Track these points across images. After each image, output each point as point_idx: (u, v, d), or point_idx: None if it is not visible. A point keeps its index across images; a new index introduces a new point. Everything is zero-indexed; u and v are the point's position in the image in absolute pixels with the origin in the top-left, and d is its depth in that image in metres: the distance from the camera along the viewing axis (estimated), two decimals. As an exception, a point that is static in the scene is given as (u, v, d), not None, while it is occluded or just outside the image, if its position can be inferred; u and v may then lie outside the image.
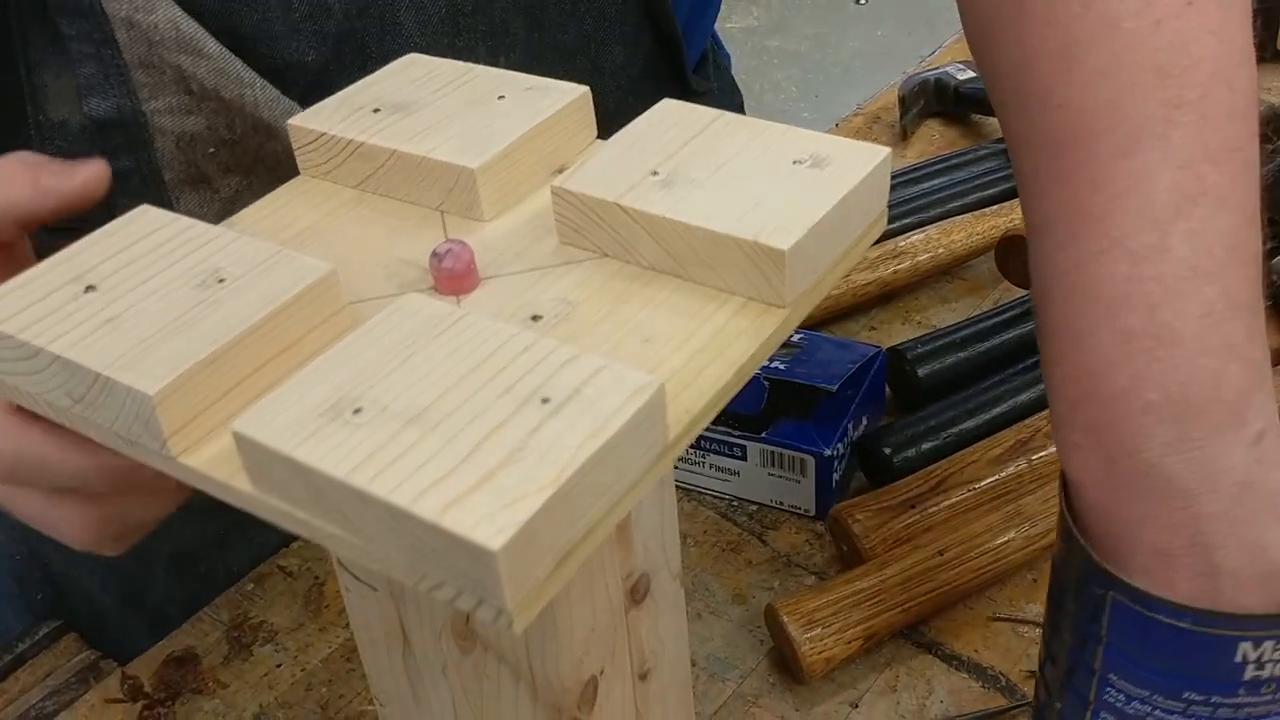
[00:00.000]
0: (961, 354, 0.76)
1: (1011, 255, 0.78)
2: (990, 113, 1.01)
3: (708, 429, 0.68)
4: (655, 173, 0.39)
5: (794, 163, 0.39)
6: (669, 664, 0.48)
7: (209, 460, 0.33)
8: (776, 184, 0.38)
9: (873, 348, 0.73)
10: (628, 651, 0.45)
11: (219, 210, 0.60)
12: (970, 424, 0.71)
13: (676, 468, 0.72)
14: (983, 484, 0.67)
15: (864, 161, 0.39)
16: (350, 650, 0.65)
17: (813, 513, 0.70)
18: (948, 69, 1.05)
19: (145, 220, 0.39)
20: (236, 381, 0.34)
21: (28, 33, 0.56)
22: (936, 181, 0.93)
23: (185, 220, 0.39)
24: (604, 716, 0.44)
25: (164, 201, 0.56)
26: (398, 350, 0.33)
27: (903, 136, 1.04)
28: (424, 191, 0.43)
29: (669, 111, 0.43)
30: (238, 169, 0.59)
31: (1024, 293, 0.80)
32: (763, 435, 0.68)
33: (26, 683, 0.66)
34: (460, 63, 0.48)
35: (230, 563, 0.71)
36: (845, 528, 0.66)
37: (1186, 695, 0.46)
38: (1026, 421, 0.70)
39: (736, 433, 0.69)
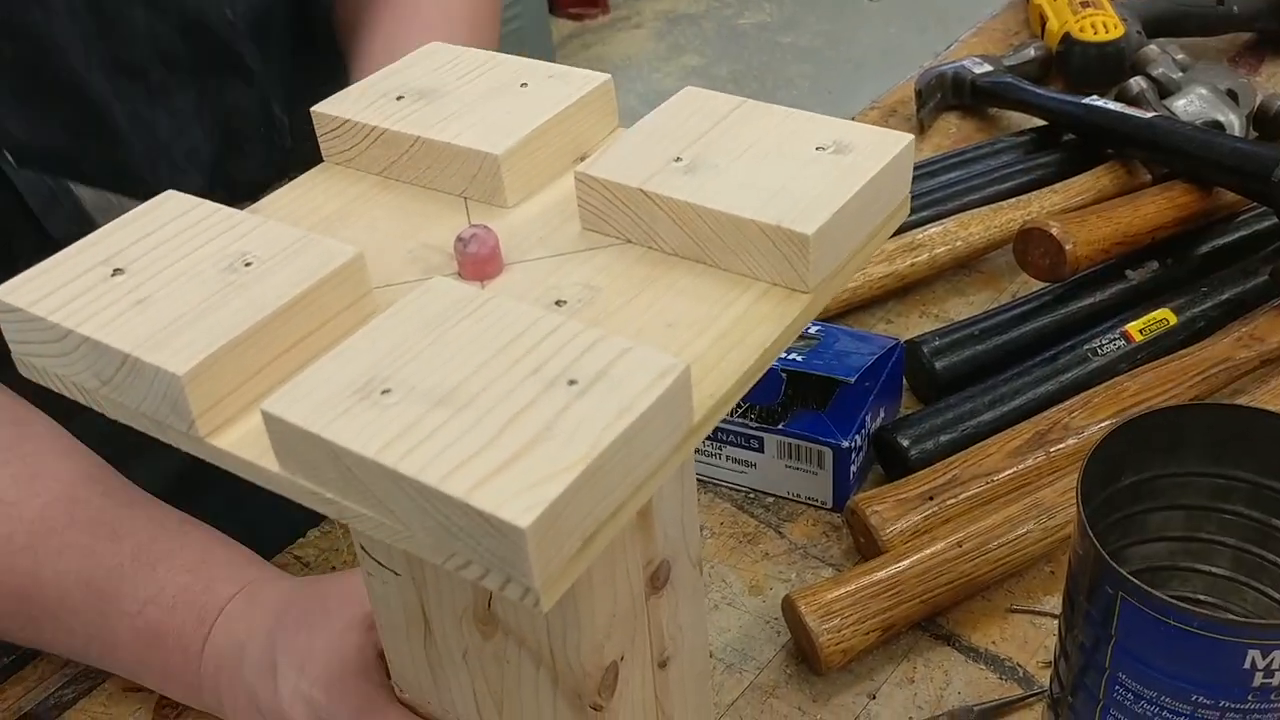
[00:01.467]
0: (979, 347, 0.76)
1: (1031, 247, 0.78)
2: (1008, 106, 1.02)
3: (725, 420, 0.69)
4: (678, 159, 0.40)
5: (816, 149, 0.40)
6: (688, 652, 0.48)
7: (237, 441, 0.34)
8: (800, 170, 0.39)
9: (890, 340, 0.73)
10: (648, 639, 0.45)
11: None
12: (988, 416, 0.71)
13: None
14: (1001, 476, 0.67)
15: (886, 148, 0.39)
16: None
17: (829, 505, 0.70)
18: (964, 63, 1.05)
19: (172, 205, 0.40)
20: (264, 363, 0.35)
21: None
22: (953, 175, 0.93)
23: (210, 205, 0.39)
24: (624, 704, 0.44)
25: None
26: (426, 332, 0.33)
27: (919, 130, 1.04)
28: (447, 178, 0.43)
29: (690, 99, 0.43)
30: None
31: (1041, 285, 0.81)
32: (780, 427, 0.69)
33: (45, 670, 0.66)
34: (484, 51, 0.48)
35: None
36: (863, 520, 0.66)
37: (1194, 698, 0.47)
38: (1045, 414, 0.70)
39: (754, 424, 0.69)
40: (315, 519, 0.73)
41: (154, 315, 0.35)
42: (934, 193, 0.91)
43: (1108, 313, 0.78)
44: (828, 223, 0.36)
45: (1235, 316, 0.77)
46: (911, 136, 0.40)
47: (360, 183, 0.45)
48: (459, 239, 0.39)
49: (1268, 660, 0.45)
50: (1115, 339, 0.74)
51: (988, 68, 1.03)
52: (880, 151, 0.39)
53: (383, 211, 0.43)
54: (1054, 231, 0.76)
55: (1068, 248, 0.75)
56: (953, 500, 0.66)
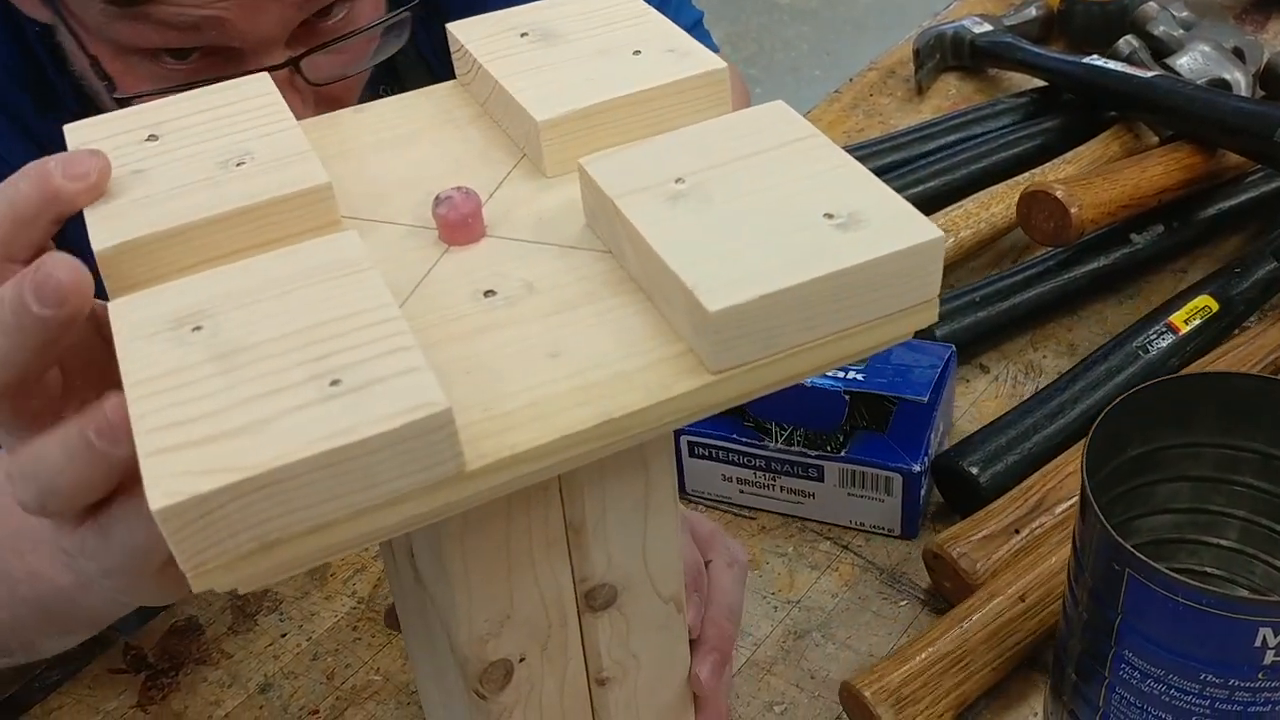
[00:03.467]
0: (981, 313, 0.74)
1: (1035, 211, 0.74)
2: (1008, 67, 0.98)
3: (779, 450, 0.64)
4: (680, 180, 0.35)
5: (825, 215, 0.33)
6: (646, 681, 0.45)
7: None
8: (784, 233, 0.33)
9: (945, 347, 0.66)
10: (579, 652, 0.43)
11: None
12: (1051, 429, 0.66)
13: (743, 492, 0.67)
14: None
15: (899, 237, 0.32)
16: (356, 619, 0.65)
17: (898, 532, 0.65)
18: (964, 22, 1.01)
19: (248, 88, 0.41)
20: (197, 261, 0.36)
21: None
22: (953, 137, 0.90)
23: (273, 97, 0.41)
24: (529, 702, 0.42)
25: None
26: (283, 283, 0.33)
27: (918, 91, 1.01)
28: (515, 129, 0.42)
29: (766, 115, 0.38)
30: None
31: (1045, 250, 0.78)
32: (842, 454, 0.63)
33: None
34: (643, 4, 0.45)
35: None
36: (950, 564, 0.60)
37: (1204, 677, 0.46)
38: None
39: (812, 453, 0.63)
40: None
41: (134, 188, 0.37)
42: (934, 154, 0.88)
43: (1113, 277, 0.77)
44: (747, 304, 0.31)
45: (1271, 294, 0.75)
46: (941, 234, 0.32)
47: (463, 109, 0.44)
48: (436, 198, 0.37)
49: (1279, 638, 0.44)
50: (1162, 332, 0.71)
51: (987, 27, 1.00)
52: (887, 240, 0.32)
53: (446, 146, 0.42)
54: (1058, 194, 0.73)
55: (1073, 211, 0.72)
56: (1039, 529, 0.60)
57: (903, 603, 0.62)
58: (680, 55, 0.41)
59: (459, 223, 0.37)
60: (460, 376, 0.32)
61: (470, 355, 0.33)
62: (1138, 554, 0.44)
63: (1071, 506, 0.60)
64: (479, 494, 0.31)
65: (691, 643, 0.46)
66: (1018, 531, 0.60)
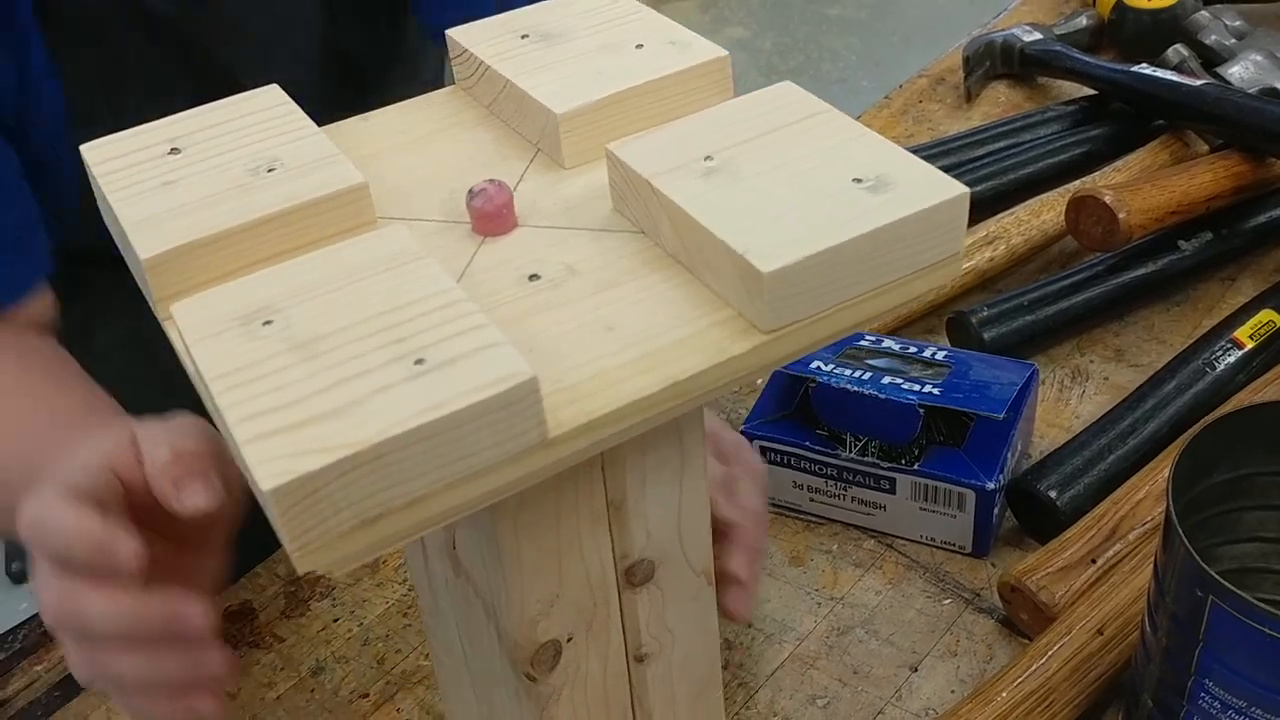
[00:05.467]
0: (1029, 317, 0.75)
1: (1083, 216, 0.75)
2: (1057, 75, 0.97)
3: (851, 459, 0.64)
4: (708, 158, 0.37)
5: (854, 180, 0.35)
6: (682, 655, 0.46)
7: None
8: (818, 199, 0.35)
9: (1028, 365, 0.66)
10: (619, 629, 0.44)
11: None
12: (1125, 450, 0.66)
13: (814, 501, 0.67)
14: (1156, 515, 0.61)
15: (927, 195, 0.34)
16: (407, 606, 0.66)
17: (968, 549, 0.64)
18: (1013, 30, 1.01)
19: (262, 100, 0.42)
20: (243, 265, 0.37)
21: None
22: (1002, 143, 0.91)
23: (290, 108, 0.42)
24: (576, 682, 0.43)
25: None
26: (342, 276, 0.33)
27: (967, 98, 1.02)
28: (527, 126, 0.43)
29: (777, 94, 0.40)
30: None
31: (1094, 256, 0.79)
32: (916, 467, 0.63)
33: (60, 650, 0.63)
34: (635, 2, 0.46)
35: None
36: (1029, 597, 0.59)
37: None
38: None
39: (885, 465, 0.63)
40: None
41: (166, 198, 0.37)
42: (982, 160, 0.88)
43: (1161, 283, 0.78)
44: (798, 264, 0.33)
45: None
46: (966, 189, 0.35)
47: (467, 111, 0.46)
48: (469, 191, 0.38)
49: None
50: (1227, 348, 0.71)
51: (1037, 36, 1.00)
52: (916, 198, 0.34)
53: (461, 145, 0.44)
54: (1107, 199, 0.73)
55: (1121, 216, 0.73)
56: (1114, 557, 0.60)
57: (946, 601, 0.63)
58: (682, 46, 0.43)
59: (494, 214, 0.38)
60: (524, 354, 0.33)
61: (528, 335, 0.34)
62: (1223, 581, 0.43)
63: (1145, 533, 0.60)
64: (559, 461, 0.32)
65: (723, 540, 0.51)
66: (1094, 561, 0.59)
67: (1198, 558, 0.43)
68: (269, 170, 0.38)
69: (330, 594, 0.67)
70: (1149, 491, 0.62)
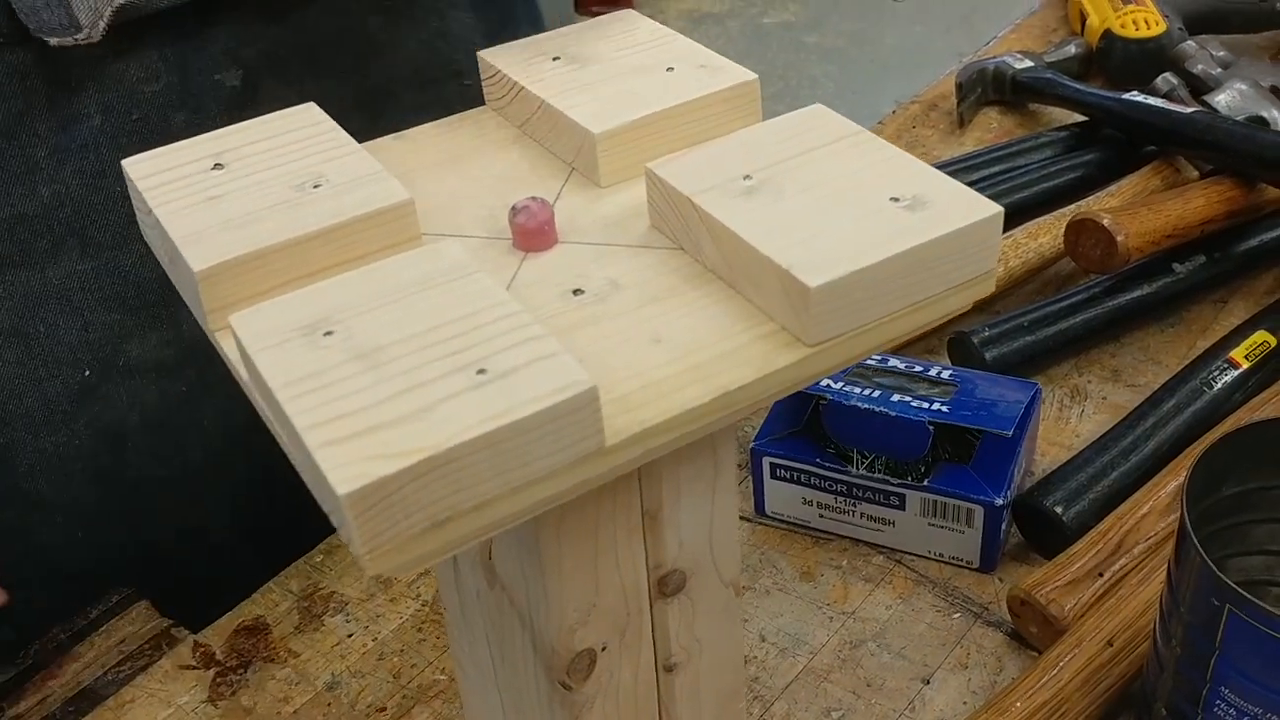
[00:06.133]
0: (1029, 337, 0.77)
1: (1082, 238, 0.77)
2: (1048, 102, 1.00)
3: (860, 475, 0.65)
4: (747, 177, 0.38)
5: (891, 199, 0.36)
6: (709, 665, 0.47)
7: (233, 347, 0.37)
8: (856, 216, 0.36)
9: (1031, 385, 0.68)
10: (650, 639, 0.44)
11: None
12: (1126, 466, 0.68)
13: (823, 517, 0.68)
14: (1160, 533, 0.63)
15: (964, 214, 0.36)
16: (421, 621, 0.66)
17: (976, 565, 0.65)
18: (1005, 58, 1.04)
19: (300, 117, 0.43)
20: (291, 279, 0.37)
21: None
22: (996, 168, 0.93)
23: (328, 125, 0.42)
24: (609, 692, 0.44)
25: None
26: (397, 290, 0.34)
27: (960, 124, 1.04)
28: (561, 145, 0.44)
29: (810, 117, 0.41)
30: None
31: (1090, 278, 0.81)
32: (925, 483, 0.64)
33: (102, 648, 0.66)
34: (664, 28, 0.48)
35: (297, 536, 0.71)
36: (1039, 610, 0.61)
37: None
38: (1186, 463, 0.64)
39: (895, 481, 0.64)
40: None
41: (213, 213, 0.38)
42: (978, 187, 0.93)
43: (1155, 305, 0.80)
44: (843, 279, 0.34)
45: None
46: (1000, 208, 0.36)
47: (499, 131, 0.47)
48: (513, 208, 0.39)
49: None
50: (1224, 368, 0.73)
51: (1028, 63, 1.03)
52: (954, 217, 0.35)
53: (496, 164, 0.45)
54: (1105, 222, 0.75)
55: (1119, 239, 0.75)
56: (1120, 571, 0.61)
57: (955, 615, 0.64)
58: (712, 70, 0.44)
59: (536, 230, 0.39)
60: (576, 365, 0.34)
61: (577, 347, 0.35)
62: (1241, 591, 0.44)
63: (1150, 547, 0.62)
64: (614, 469, 0.33)
65: None
66: (1101, 574, 0.61)
67: (1214, 567, 0.44)
68: (315, 186, 0.39)
69: (344, 609, 0.68)
70: (1152, 507, 0.63)
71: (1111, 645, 0.56)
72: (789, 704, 0.60)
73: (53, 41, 0.58)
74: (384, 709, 0.62)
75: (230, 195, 0.39)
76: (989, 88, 1.04)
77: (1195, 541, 0.46)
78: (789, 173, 0.38)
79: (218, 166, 0.41)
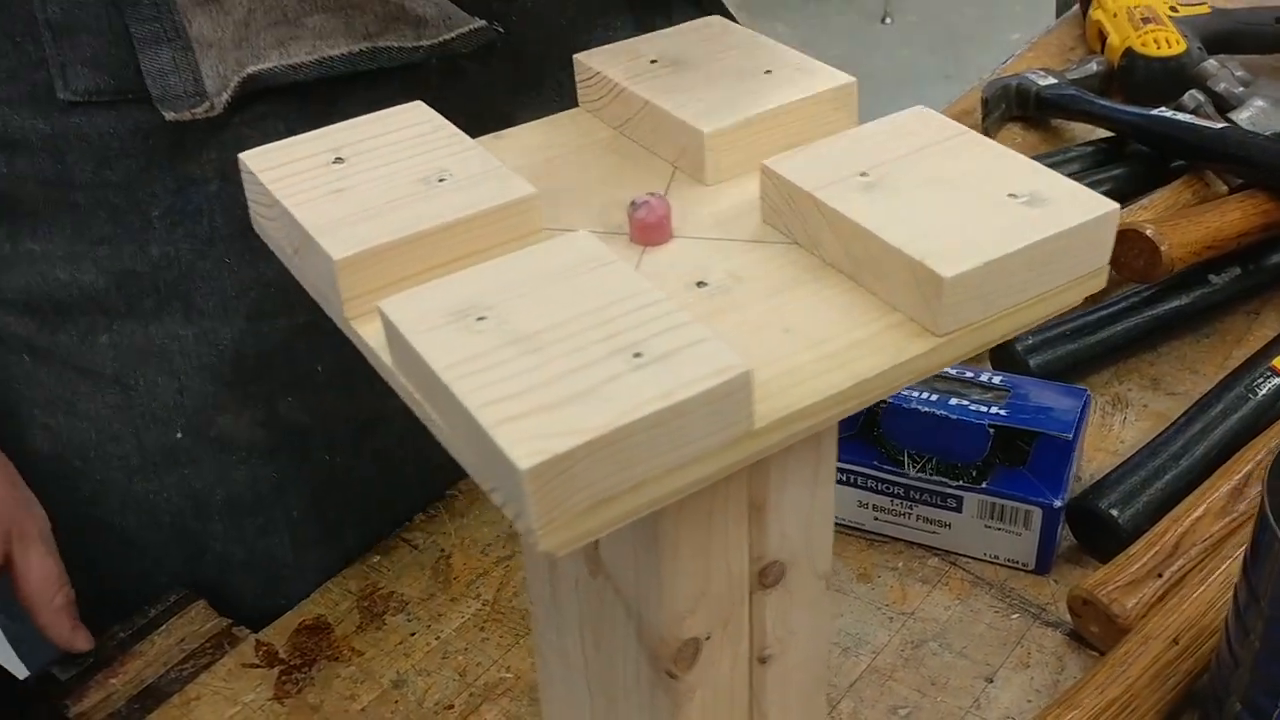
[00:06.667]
0: (1071, 345, 0.79)
1: (1125, 248, 0.79)
2: (1073, 118, 1.02)
3: (917, 478, 0.67)
4: (864, 174, 0.39)
5: (1009, 195, 0.38)
6: (799, 658, 0.48)
7: (374, 331, 0.37)
8: (978, 211, 0.37)
9: (1081, 390, 0.69)
10: (747, 630, 0.45)
11: (234, 33, 0.58)
12: (1177, 470, 0.69)
13: (877, 519, 0.69)
14: (1216, 534, 0.64)
15: (1083, 211, 0.37)
16: (483, 620, 0.67)
17: (1031, 567, 0.67)
18: (1028, 74, 1.05)
19: (411, 114, 0.44)
20: (421, 270, 0.38)
21: None
22: None
23: (440, 121, 0.43)
24: (708, 682, 0.45)
25: (177, 27, 0.56)
26: (543, 277, 0.35)
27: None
28: (665, 145, 0.45)
29: (914, 118, 0.42)
30: None
31: (1129, 287, 0.83)
32: (983, 486, 0.65)
33: (162, 646, 0.67)
34: (753, 32, 0.49)
35: (352, 538, 0.73)
36: (1100, 608, 0.62)
37: None
38: (1233, 464, 0.68)
39: (953, 483, 0.66)
40: (421, 504, 0.75)
41: (342, 204, 0.39)
42: None
43: (1191, 316, 0.83)
44: (974, 270, 0.35)
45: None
46: (1117, 205, 0.37)
47: (597, 133, 0.48)
48: (632, 203, 0.40)
49: None
50: (1267, 376, 0.74)
51: (1051, 80, 1.05)
52: (1073, 213, 0.37)
53: (599, 163, 0.46)
54: (1149, 233, 0.77)
55: (1162, 248, 0.77)
56: (1178, 572, 0.63)
57: (1014, 616, 0.65)
58: (809, 72, 0.46)
59: (656, 224, 0.40)
60: (718, 351, 0.35)
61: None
62: None
63: (1206, 548, 0.63)
64: (759, 452, 0.34)
65: None
66: (1160, 575, 0.62)
67: None
68: (440, 180, 0.40)
69: (404, 609, 0.68)
70: (1206, 509, 0.65)
71: (1177, 643, 0.58)
72: (855, 702, 0.61)
73: (169, 116, 0.57)
74: (451, 706, 0.63)
75: (356, 188, 0.40)
76: (1012, 104, 1.06)
77: (1276, 530, 0.47)
78: (904, 170, 0.39)
79: (339, 160, 0.41)
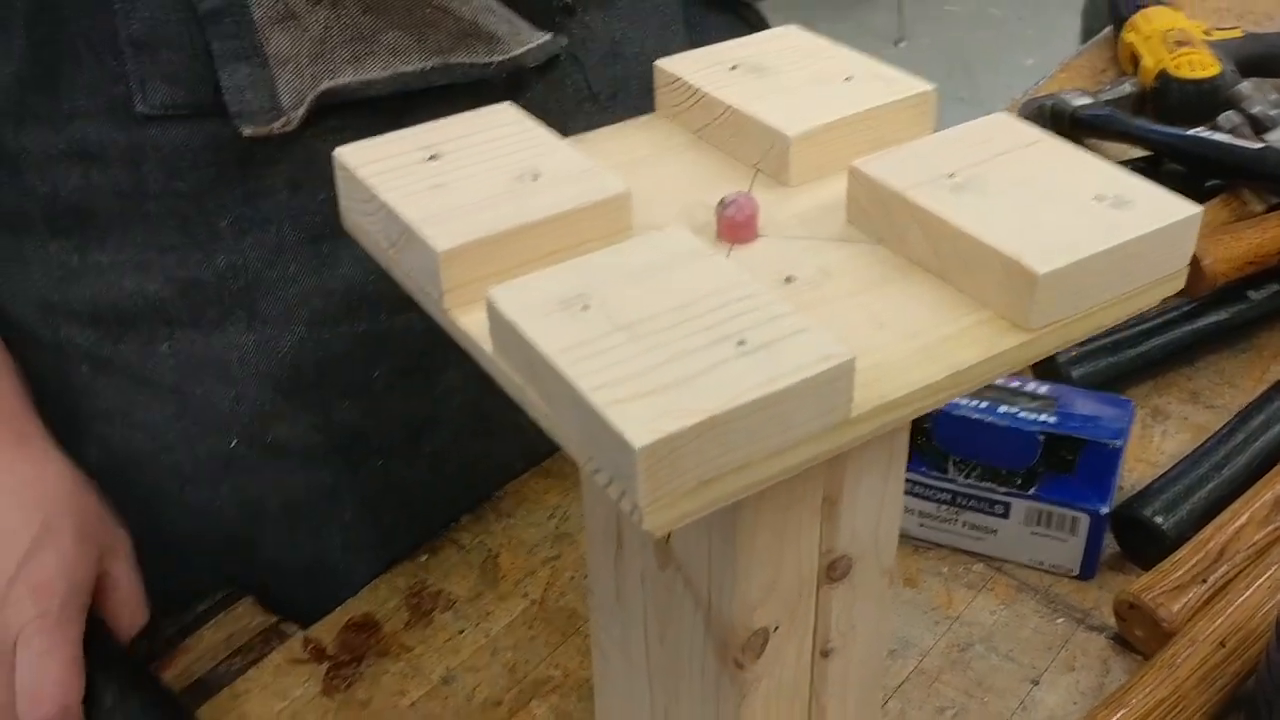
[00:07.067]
0: (1112, 358, 0.80)
1: None
2: (1109, 138, 1.02)
3: (964, 484, 0.67)
4: (952, 175, 0.40)
5: (1095, 198, 0.39)
6: (859, 654, 0.49)
7: (472, 321, 0.39)
8: (1066, 212, 0.38)
9: (1125, 401, 0.70)
10: (812, 622, 0.46)
11: (310, 49, 0.59)
12: (1219, 479, 0.70)
13: (923, 525, 0.70)
14: (1259, 542, 0.65)
15: (1166, 213, 0.38)
16: (532, 618, 0.68)
17: (1076, 573, 0.68)
18: (1064, 94, 1.06)
19: (502, 115, 0.45)
20: (519, 263, 0.39)
21: None
22: None
23: (531, 123, 0.45)
24: (773, 673, 0.45)
25: (256, 44, 0.57)
26: (643, 269, 0.36)
27: None
28: (746, 148, 0.46)
29: (995, 124, 0.43)
30: (323, 1, 0.58)
31: (1167, 303, 0.81)
32: (1031, 492, 0.66)
33: (211, 641, 0.67)
34: (827, 41, 0.50)
35: (401, 538, 0.73)
36: (1145, 611, 0.63)
37: None
38: (1275, 475, 0.68)
39: (1001, 489, 0.67)
40: (467, 505, 0.76)
41: (441, 199, 0.40)
42: None
43: (1230, 331, 0.84)
44: (1066, 268, 0.36)
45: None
46: (1200, 207, 0.38)
47: (677, 136, 0.49)
48: (721, 201, 0.41)
49: None
50: None
51: (1086, 100, 1.05)
52: (1157, 215, 0.38)
53: (682, 166, 0.47)
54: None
55: (1206, 262, 0.78)
56: (1222, 578, 0.63)
57: (1059, 620, 0.66)
58: (889, 80, 0.47)
59: (745, 222, 0.41)
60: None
61: (804, 328, 0.37)
62: None
63: (1250, 555, 0.64)
64: (853, 439, 0.35)
65: None
66: (1204, 581, 0.63)
67: None
68: (534, 178, 0.41)
69: (453, 607, 0.69)
70: (1250, 517, 0.65)
71: (1224, 646, 0.59)
72: (902, 703, 0.62)
73: (246, 131, 0.58)
74: (500, 703, 0.64)
75: (454, 184, 0.41)
76: (1048, 123, 1.06)
77: None
78: (990, 172, 0.40)
79: (434, 158, 0.43)
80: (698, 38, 0.76)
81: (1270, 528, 0.65)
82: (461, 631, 0.68)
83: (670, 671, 0.49)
